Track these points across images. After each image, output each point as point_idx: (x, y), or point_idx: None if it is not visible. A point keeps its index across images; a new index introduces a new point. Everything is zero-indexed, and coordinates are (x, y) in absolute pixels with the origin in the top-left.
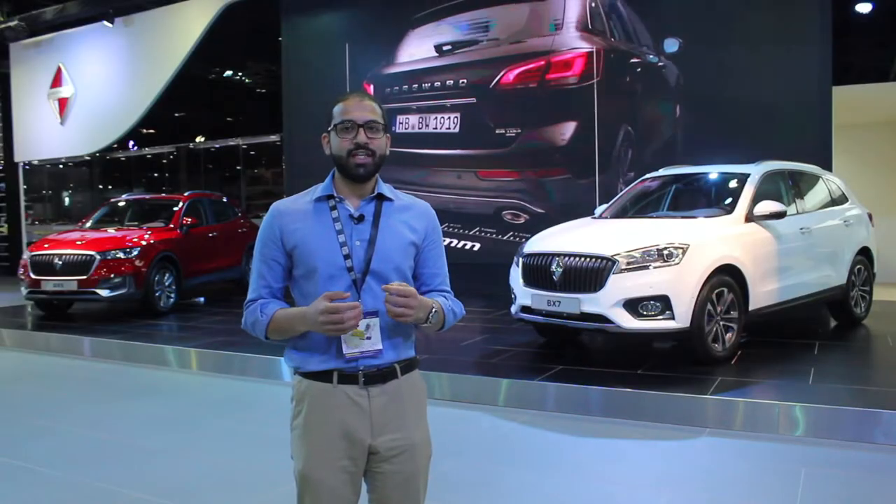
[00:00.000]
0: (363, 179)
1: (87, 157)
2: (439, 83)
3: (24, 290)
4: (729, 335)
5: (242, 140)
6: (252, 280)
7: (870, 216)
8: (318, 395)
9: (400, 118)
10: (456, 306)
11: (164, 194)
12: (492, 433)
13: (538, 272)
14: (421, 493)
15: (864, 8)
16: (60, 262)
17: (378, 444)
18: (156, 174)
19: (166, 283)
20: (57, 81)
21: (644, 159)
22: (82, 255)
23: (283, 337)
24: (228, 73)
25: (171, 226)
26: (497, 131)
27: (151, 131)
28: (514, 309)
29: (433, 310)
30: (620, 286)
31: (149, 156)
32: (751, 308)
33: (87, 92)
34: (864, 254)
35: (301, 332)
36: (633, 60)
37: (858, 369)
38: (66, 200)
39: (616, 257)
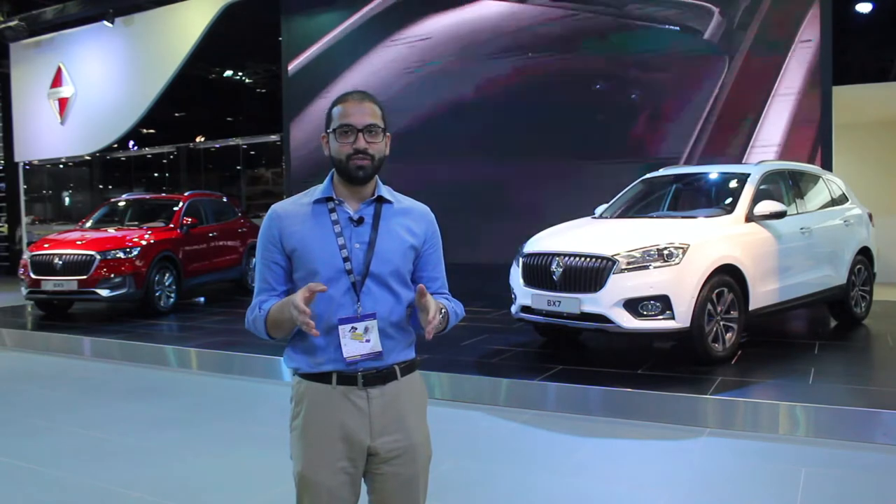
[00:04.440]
0: (362, 182)
1: (87, 157)
2: None
3: (24, 290)
4: (729, 335)
5: (242, 140)
6: (256, 283)
7: (870, 216)
8: (317, 396)
9: None
10: (458, 307)
11: (164, 194)
12: (492, 433)
13: (538, 272)
14: (421, 495)
15: (864, 8)
16: (60, 262)
17: (377, 445)
18: (156, 174)
19: (166, 283)
20: (57, 81)
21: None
22: (82, 254)
23: (281, 331)
24: (228, 73)
25: (172, 226)
26: None
27: (151, 131)
28: (514, 309)
29: (442, 310)
30: (620, 286)
31: (149, 156)
32: (751, 308)
33: (87, 92)
34: (864, 254)
35: (291, 320)
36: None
37: (858, 369)
38: (66, 200)
39: (616, 257)
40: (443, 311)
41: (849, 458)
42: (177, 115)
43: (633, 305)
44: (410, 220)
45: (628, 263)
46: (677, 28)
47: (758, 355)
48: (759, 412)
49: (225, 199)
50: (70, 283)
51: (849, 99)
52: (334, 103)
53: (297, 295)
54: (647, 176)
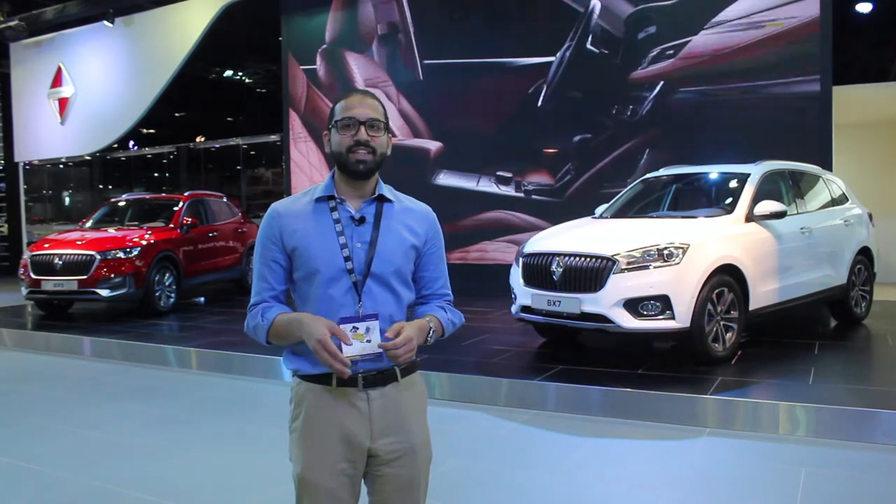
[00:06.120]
0: (363, 177)
1: (87, 157)
2: None
3: (24, 290)
4: (729, 335)
5: (242, 140)
6: (254, 283)
7: (870, 216)
8: (316, 397)
9: None
10: (455, 316)
11: (164, 194)
12: (492, 433)
13: (538, 272)
14: (421, 496)
15: (864, 8)
16: (61, 262)
17: (378, 447)
18: (156, 174)
19: (166, 283)
20: (57, 81)
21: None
22: (82, 254)
23: (284, 343)
24: (228, 73)
25: (172, 226)
26: None
27: (151, 131)
28: (514, 309)
29: (430, 329)
30: (620, 286)
31: (149, 156)
32: (751, 308)
33: (87, 92)
34: (865, 254)
35: (299, 339)
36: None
37: (858, 369)
38: (66, 200)
39: (616, 257)
40: (431, 329)
41: (849, 458)
42: (177, 115)
43: (633, 305)
44: (412, 219)
45: (628, 263)
46: None
47: (758, 355)
48: (759, 412)
49: (225, 199)
50: (70, 283)
51: (849, 99)
52: (336, 100)
53: (322, 330)
54: (647, 176)
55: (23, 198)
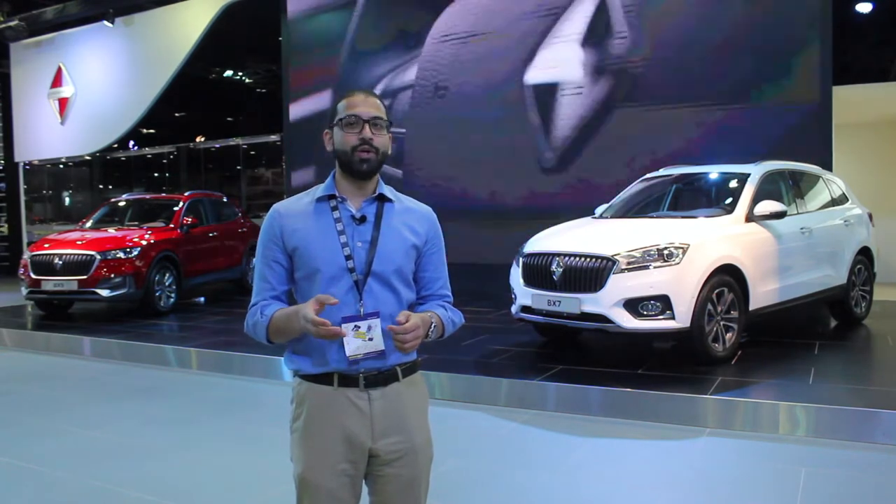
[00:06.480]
0: (366, 176)
1: (87, 157)
2: None
3: (24, 290)
4: (729, 335)
5: (242, 140)
6: (255, 283)
7: (870, 216)
8: (318, 397)
9: None
10: (455, 316)
11: (164, 194)
12: (492, 433)
13: (538, 272)
14: (422, 497)
15: (864, 8)
16: (61, 262)
17: (379, 447)
18: (156, 174)
19: (166, 283)
20: (57, 81)
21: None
22: (82, 254)
23: (284, 339)
24: (228, 73)
25: (172, 226)
26: None
27: (151, 131)
28: (514, 309)
29: (432, 324)
30: (621, 286)
31: (149, 156)
32: (751, 308)
33: (88, 92)
34: (865, 254)
35: (299, 330)
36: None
37: (858, 369)
38: (67, 200)
39: (616, 257)
40: (433, 323)
41: (849, 458)
42: (177, 115)
43: (633, 305)
44: (413, 219)
45: (628, 263)
46: None
47: (758, 355)
48: (759, 412)
49: (225, 199)
50: (70, 283)
51: (849, 99)
52: (339, 99)
53: (308, 309)
54: (648, 176)
55: (23, 198)
